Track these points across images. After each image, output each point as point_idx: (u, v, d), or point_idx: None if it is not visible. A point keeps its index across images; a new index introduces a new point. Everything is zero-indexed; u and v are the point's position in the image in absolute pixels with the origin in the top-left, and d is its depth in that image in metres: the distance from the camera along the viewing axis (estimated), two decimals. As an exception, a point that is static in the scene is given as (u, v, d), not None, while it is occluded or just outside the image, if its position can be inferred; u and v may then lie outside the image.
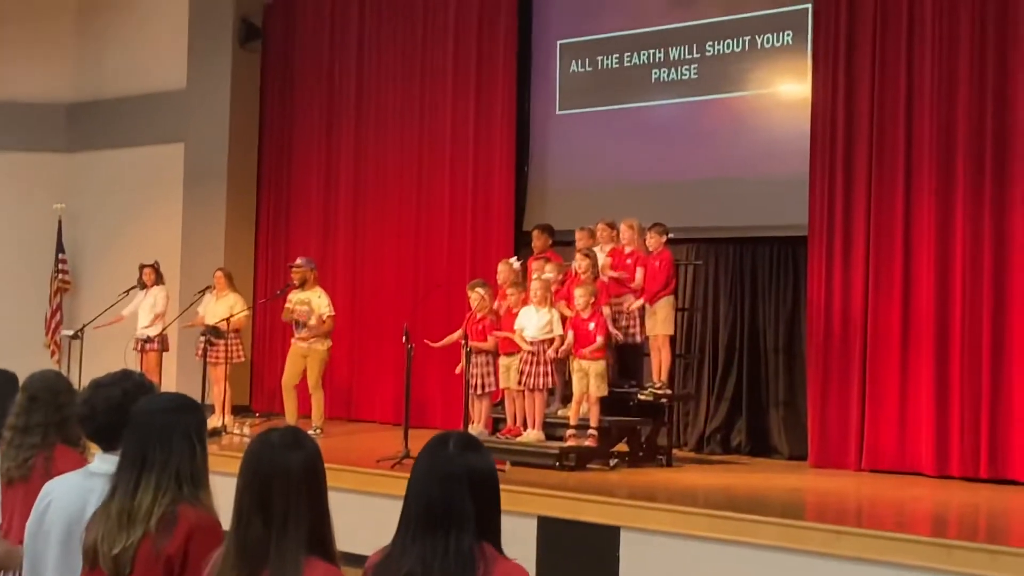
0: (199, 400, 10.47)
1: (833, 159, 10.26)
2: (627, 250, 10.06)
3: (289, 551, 2.76)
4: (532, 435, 9.42)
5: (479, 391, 9.77)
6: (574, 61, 12.17)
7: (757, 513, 7.41)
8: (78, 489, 3.29)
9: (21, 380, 4.67)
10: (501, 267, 10.15)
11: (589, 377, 9.32)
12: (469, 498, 2.71)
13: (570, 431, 9.41)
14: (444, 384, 12.03)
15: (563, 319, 9.61)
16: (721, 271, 11.29)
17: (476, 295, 9.89)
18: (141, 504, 3.06)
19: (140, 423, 3.17)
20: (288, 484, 2.80)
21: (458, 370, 9.88)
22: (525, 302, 9.64)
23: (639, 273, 9.92)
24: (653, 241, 9.92)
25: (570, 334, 9.46)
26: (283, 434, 2.90)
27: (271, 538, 2.77)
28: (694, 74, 11.36)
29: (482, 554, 2.68)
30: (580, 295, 9.39)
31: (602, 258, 10.07)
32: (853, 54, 10.23)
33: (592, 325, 9.34)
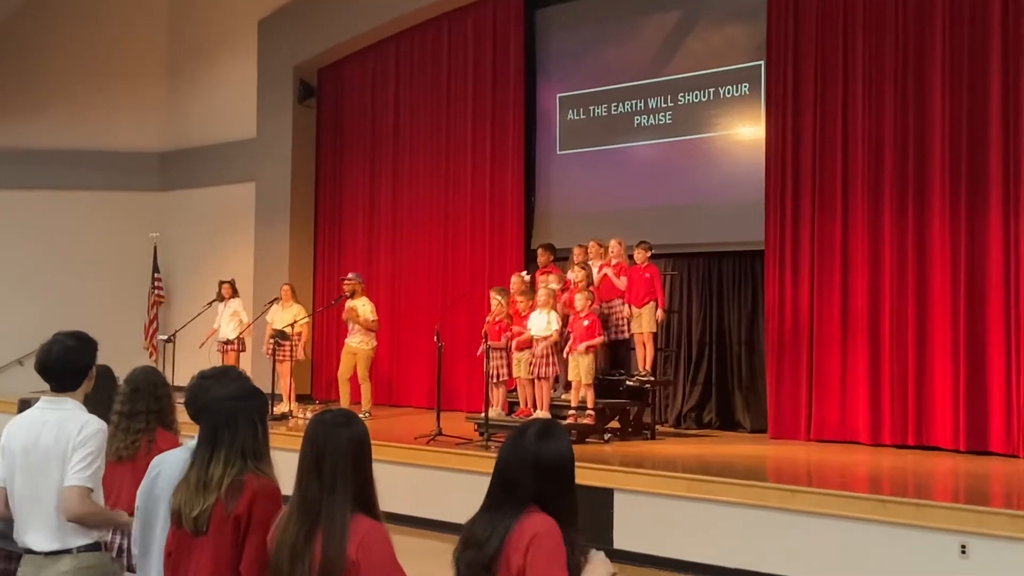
0: (268, 390, 10.48)
1: (783, 187, 10.25)
2: (613, 263, 10.05)
3: (337, 508, 2.78)
4: (540, 415, 9.41)
5: (496, 380, 9.75)
6: (571, 110, 12.18)
7: (725, 476, 7.41)
8: (180, 462, 3.31)
9: (118, 374, 4.68)
10: (513, 279, 10.13)
11: (580, 369, 9.32)
12: (534, 478, 2.66)
13: (571, 411, 9.40)
14: (468, 375, 12.06)
15: (565, 319, 9.62)
16: (693, 279, 11.27)
17: (496, 301, 9.88)
18: (213, 475, 3.07)
19: (212, 409, 3.16)
20: (337, 454, 2.82)
21: (479, 352, 9.87)
22: (532, 307, 9.64)
23: (624, 281, 9.91)
24: (640, 255, 9.91)
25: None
26: (335, 415, 2.91)
27: (323, 497, 2.79)
28: (669, 119, 11.36)
29: (524, 515, 2.65)
30: (579, 299, 9.40)
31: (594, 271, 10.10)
32: (798, 101, 10.22)
33: (587, 323, 9.34)
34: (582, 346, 9.24)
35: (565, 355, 9.47)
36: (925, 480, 7.78)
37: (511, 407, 9.91)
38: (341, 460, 2.81)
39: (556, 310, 9.53)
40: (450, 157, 13.05)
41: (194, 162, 15.49)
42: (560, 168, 12.26)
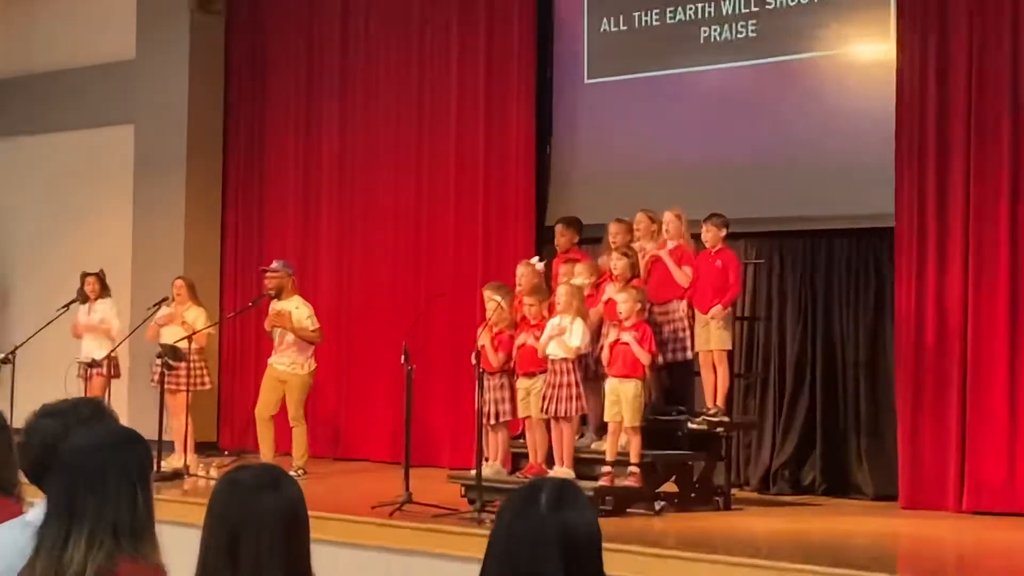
0: (155, 436, 10.41)
1: (923, 134, 10.21)
2: (670, 246, 10.02)
3: None
4: (560, 473, 9.38)
5: (495, 421, 9.73)
6: (605, 18, 12.16)
7: (838, 566, 7.36)
8: (11, 544, 3.28)
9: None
10: (521, 270, 10.11)
11: (621, 404, 9.31)
12: (561, 566, 2.67)
13: (606, 468, 9.38)
14: (452, 413, 12.05)
15: (597, 332, 9.61)
16: (788, 271, 11.24)
17: (493, 303, 9.86)
18: (72, 561, 3.04)
19: (69, 464, 3.13)
20: (261, 534, 2.81)
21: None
22: (551, 312, 9.62)
23: (687, 272, 9.89)
24: (711, 236, 9.88)
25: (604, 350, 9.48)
26: (257, 474, 2.90)
27: (240, 601, 2.78)
28: (752, 32, 11.34)
29: None
30: (624, 301, 9.37)
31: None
32: (947, 11, 10.17)
33: (634, 335, 9.28)
34: (637, 350, 9.20)
35: (604, 358, 9.42)
36: None
37: (516, 461, 9.89)
38: (266, 541, 2.80)
39: (584, 317, 9.52)
40: (425, 89, 13.03)
41: (42, 95, 15.46)
42: (590, 104, 12.25)
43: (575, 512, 2.73)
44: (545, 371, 9.48)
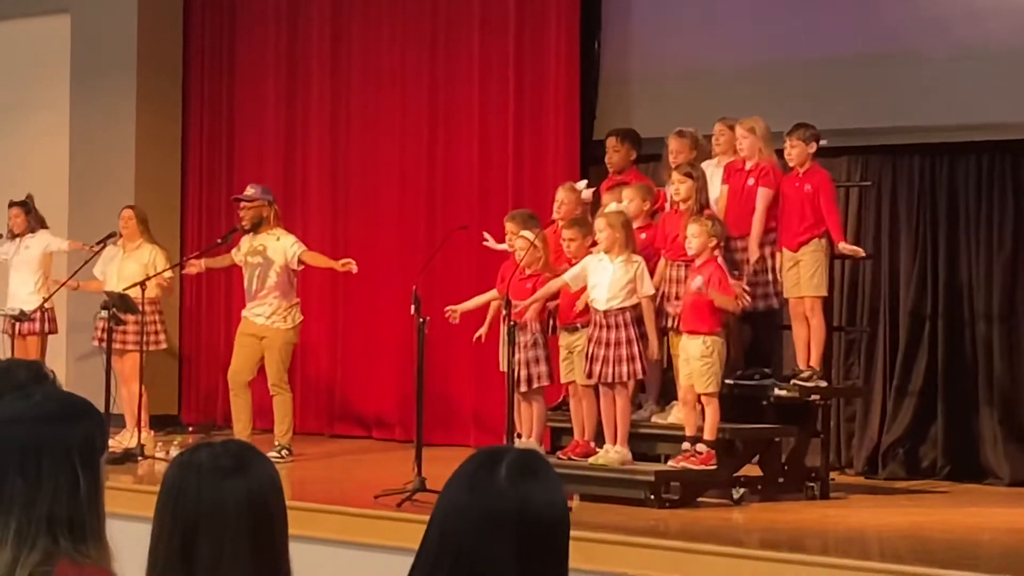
0: (101, 407, 10.43)
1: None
2: (747, 165, 10.00)
3: None
4: (612, 454, 9.42)
5: (526, 386, 9.78)
6: None
7: (965, 569, 7.36)
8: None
9: None
10: (561, 195, 10.10)
11: (690, 364, 9.34)
12: (515, 550, 2.67)
13: (686, 445, 9.38)
14: (475, 377, 12.07)
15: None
16: (901, 197, 11.21)
17: (523, 239, 9.85)
18: None
19: None
20: (221, 531, 2.82)
21: (482, 333, 9.94)
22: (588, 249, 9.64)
23: (761, 199, 9.88)
24: (797, 152, 9.85)
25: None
26: (218, 453, 2.90)
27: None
28: None
29: None
30: (696, 234, 9.38)
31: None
32: None
33: (707, 287, 9.29)
34: (720, 299, 9.23)
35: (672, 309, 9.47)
36: None
37: (556, 438, 9.91)
38: (228, 539, 2.82)
39: (637, 252, 9.53)
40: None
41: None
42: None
43: (541, 487, 2.73)
44: (589, 324, 9.52)
